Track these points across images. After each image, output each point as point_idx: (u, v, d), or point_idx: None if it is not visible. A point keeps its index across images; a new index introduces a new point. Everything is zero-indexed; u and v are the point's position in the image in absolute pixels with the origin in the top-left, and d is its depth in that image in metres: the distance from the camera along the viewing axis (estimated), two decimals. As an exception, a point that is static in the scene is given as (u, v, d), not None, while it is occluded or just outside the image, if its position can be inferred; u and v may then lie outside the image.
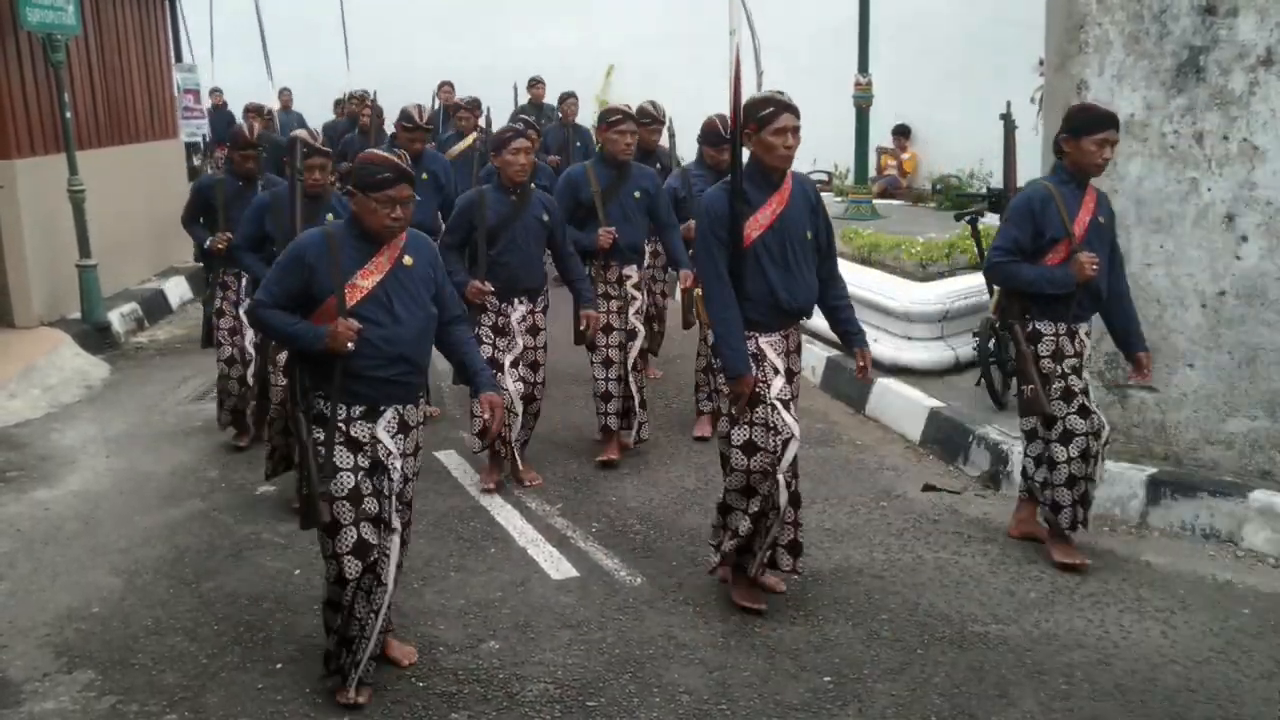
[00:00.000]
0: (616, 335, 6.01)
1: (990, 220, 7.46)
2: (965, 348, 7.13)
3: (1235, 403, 5.20)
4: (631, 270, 6.10)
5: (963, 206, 8.78)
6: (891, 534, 5.14)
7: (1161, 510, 5.13)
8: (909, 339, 7.25)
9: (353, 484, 3.61)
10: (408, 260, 3.70)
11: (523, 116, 8.55)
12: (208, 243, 6.33)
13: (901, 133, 14.48)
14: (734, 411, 4.18)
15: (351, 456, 3.63)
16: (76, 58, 9.89)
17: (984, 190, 10.22)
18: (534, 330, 5.68)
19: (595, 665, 4.00)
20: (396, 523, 3.71)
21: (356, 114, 12.21)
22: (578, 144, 10.74)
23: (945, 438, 6.16)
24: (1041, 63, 6.72)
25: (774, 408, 4.14)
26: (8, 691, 3.91)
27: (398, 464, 3.70)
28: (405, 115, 6.90)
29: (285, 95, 16.17)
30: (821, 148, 13.04)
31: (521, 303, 5.61)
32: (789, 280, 4.18)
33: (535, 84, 12.69)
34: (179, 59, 13.77)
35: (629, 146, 5.95)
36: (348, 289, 3.59)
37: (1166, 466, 5.35)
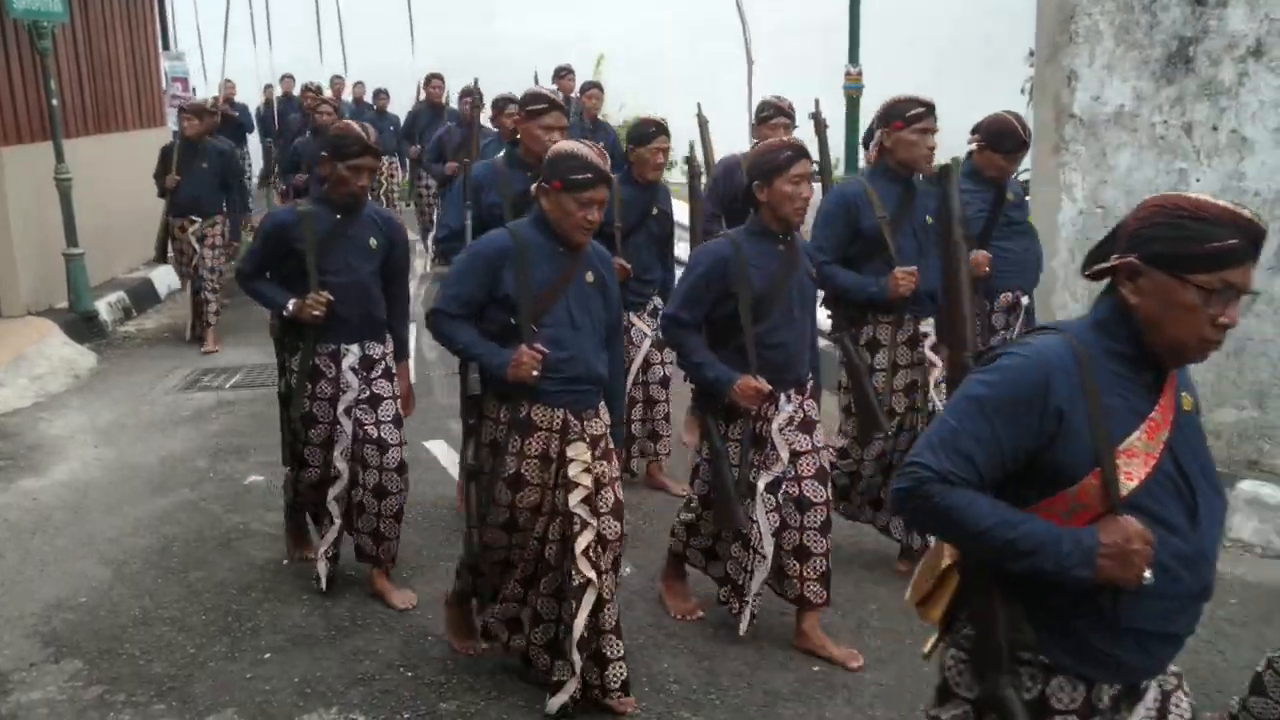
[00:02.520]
0: (898, 419, 4.43)
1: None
2: (955, 338, 7.12)
3: (1223, 393, 5.22)
4: (929, 326, 4.43)
5: (953, 197, 8.77)
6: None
7: (1149, 500, 5.15)
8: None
9: None
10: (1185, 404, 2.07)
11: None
12: (290, 307, 4.19)
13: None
14: None
15: None
16: (63, 45, 9.83)
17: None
18: (807, 425, 3.89)
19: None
20: None
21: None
22: (600, 144, 9.51)
23: (934, 428, 6.17)
24: (1032, 53, 6.73)
25: None
26: (-5, 681, 3.90)
27: None
28: (535, 95, 4.63)
29: (339, 83, 15.17)
30: (812, 139, 13.06)
31: (789, 400, 3.85)
32: None
33: (563, 74, 10.84)
34: (166, 47, 13.67)
35: (932, 151, 4.27)
36: (1122, 457, 1.96)
37: (1154, 457, 5.37)
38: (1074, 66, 5.38)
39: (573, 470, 3.45)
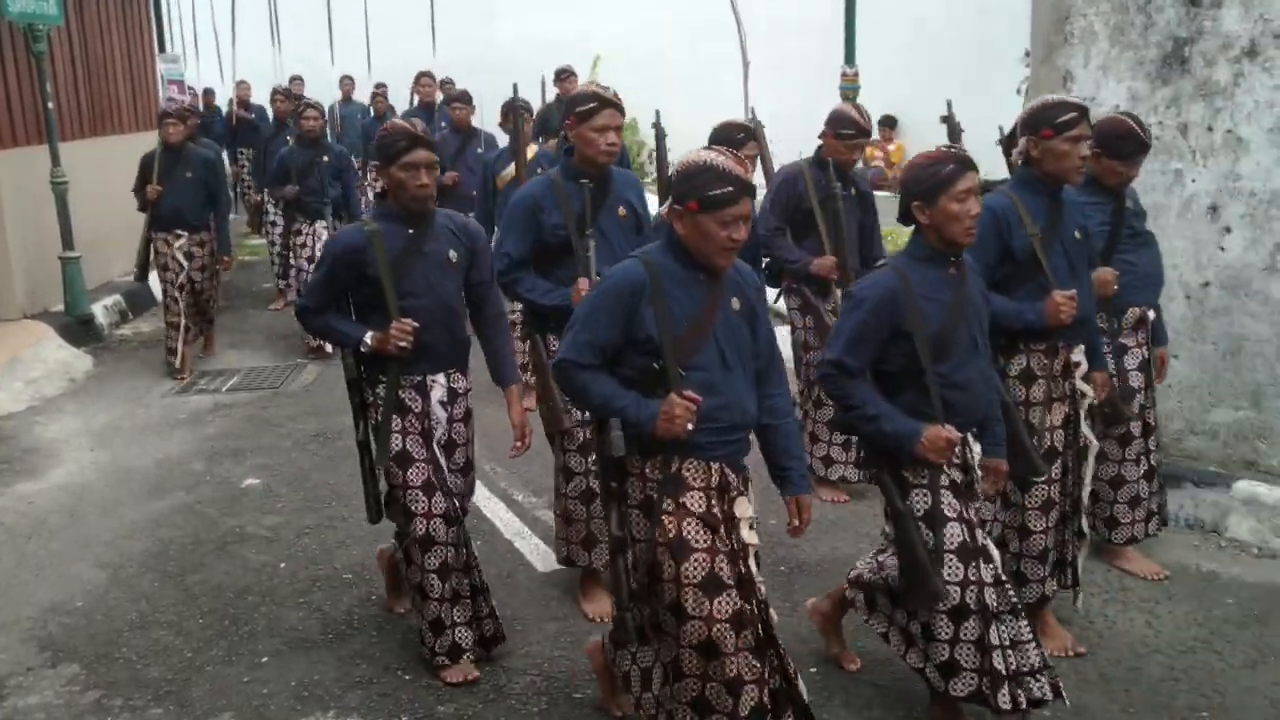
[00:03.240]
0: (1060, 458, 3.95)
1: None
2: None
3: (1219, 393, 5.23)
4: (1080, 355, 3.99)
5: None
6: (878, 525, 5.13)
7: (1146, 500, 5.15)
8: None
9: None
10: None
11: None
12: (369, 341, 3.71)
13: (887, 124, 14.50)
14: None
15: None
16: (59, 48, 9.82)
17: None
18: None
19: (582, 657, 3.99)
20: None
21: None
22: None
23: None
24: (1027, 54, 6.73)
25: None
26: (-9, 686, 3.89)
27: None
28: (583, 94, 4.09)
29: (348, 84, 14.71)
30: (808, 139, 13.07)
31: (976, 439, 3.46)
32: None
33: (565, 76, 10.43)
34: (162, 49, 13.62)
35: (1085, 161, 3.84)
36: None
37: (1151, 457, 5.37)
38: (1069, 67, 5.38)
39: (744, 532, 3.03)
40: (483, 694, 3.76)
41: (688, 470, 2.97)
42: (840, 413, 3.42)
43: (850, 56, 12.18)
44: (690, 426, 2.88)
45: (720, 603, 2.90)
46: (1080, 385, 3.99)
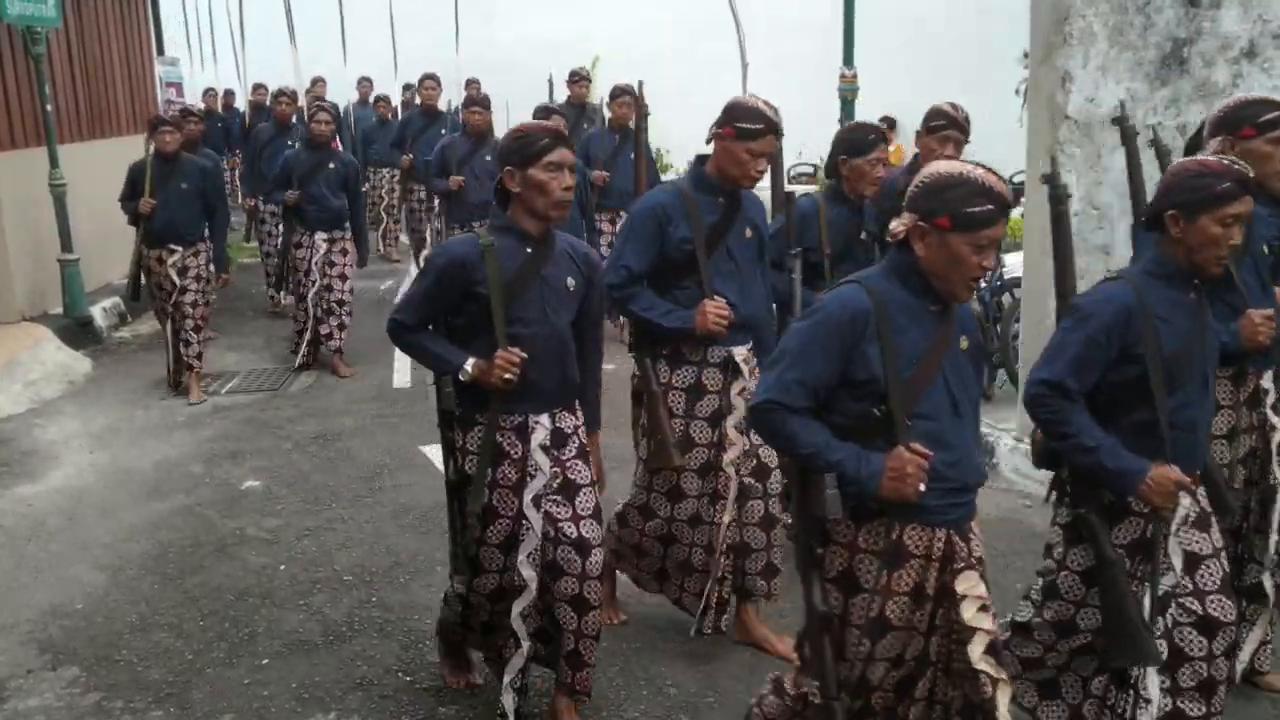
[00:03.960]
0: (1249, 494, 3.65)
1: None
2: (951, 340, 7.12)
3: (1219, 394, 5.23)
4: (1269, 381, 3.57)
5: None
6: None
7: (1146, 501, 5.15)
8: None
9: None
10: None
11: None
12: (469, 369, 3.25)
13: (887, 125, 14.51)
14: None
15: None
16: (57, 50, 9.82)
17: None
18: (1204, 521, 3.06)
19: (582, 659, 3.99)
20: None
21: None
22: (631, 155, 7.85)
23: (931, 429, 6.16)
24: (1026, 55, 6.74)
25: None
26: (-9, 689, 3.89)
27: None
28: (753, 111, 3.68)
29: (365, 86, 14.43)
30: (807, 141, 13.08)
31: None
32: None
33: (577, 79, 10.00)
34: (161, 51, 13.61)
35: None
36: None
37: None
38: (1068, 68, 5.39)
39: (968, 613, 2.56)
40: (484, 696, 3.75)
41: (910, 537, 2.56)
42: (1051, 440, 2.97)
43: (849, 58, 12.19)
44: (922, 487, 2.49)
45: (891, 675, 2.65)
46: (1271, 416, 3.55)
